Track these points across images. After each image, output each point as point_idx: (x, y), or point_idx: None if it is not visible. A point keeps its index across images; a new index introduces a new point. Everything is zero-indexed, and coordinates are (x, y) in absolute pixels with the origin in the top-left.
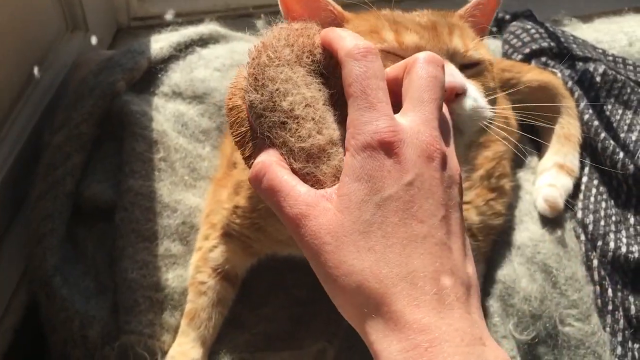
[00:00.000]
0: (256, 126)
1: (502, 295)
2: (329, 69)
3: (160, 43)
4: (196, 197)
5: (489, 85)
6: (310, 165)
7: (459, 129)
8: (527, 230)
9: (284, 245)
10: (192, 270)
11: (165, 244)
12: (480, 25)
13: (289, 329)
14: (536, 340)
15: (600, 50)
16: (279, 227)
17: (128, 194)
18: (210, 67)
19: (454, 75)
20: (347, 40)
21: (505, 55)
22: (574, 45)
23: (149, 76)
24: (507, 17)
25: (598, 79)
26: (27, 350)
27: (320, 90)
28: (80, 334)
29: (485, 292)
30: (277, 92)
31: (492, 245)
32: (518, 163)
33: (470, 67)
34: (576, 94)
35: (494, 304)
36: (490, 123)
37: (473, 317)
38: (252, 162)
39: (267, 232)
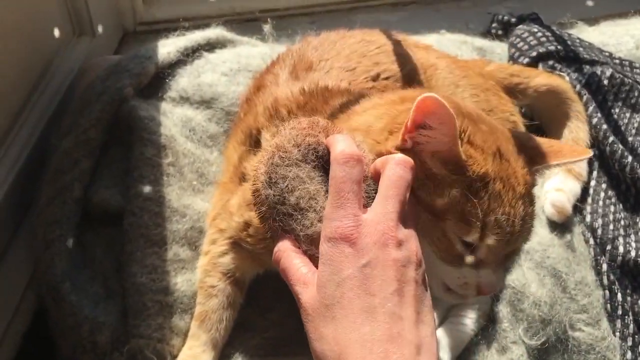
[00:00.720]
0: (271, 214)
1: (512, 300)
2: (329, 164)
3: (167, 48)
4: (205, 202)
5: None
6: (313, 248)
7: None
8: (536, 235)
9: None
10: (201, 274)
11: (174, 248)
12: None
13: (298, 335)
14: (546, 345)
15: (607, 53)
16: None
17: (137, 199)
18: (218, 71)
19: (498, 284)
20: (338, 145)
21: (512, 58)
22: (581, 49)
23: (156, 81)
24: (513, 20)
25: (605, 82)
26: (35, 356)
27: (322, 182)
28: (90, 340)
29: (495, 297)
30: (287, 188)
31: None
32: None
33: (512, 255)
34: (584, 98)
35: (503, 309)
36: None
37: None
38: (270, 234)
39: None
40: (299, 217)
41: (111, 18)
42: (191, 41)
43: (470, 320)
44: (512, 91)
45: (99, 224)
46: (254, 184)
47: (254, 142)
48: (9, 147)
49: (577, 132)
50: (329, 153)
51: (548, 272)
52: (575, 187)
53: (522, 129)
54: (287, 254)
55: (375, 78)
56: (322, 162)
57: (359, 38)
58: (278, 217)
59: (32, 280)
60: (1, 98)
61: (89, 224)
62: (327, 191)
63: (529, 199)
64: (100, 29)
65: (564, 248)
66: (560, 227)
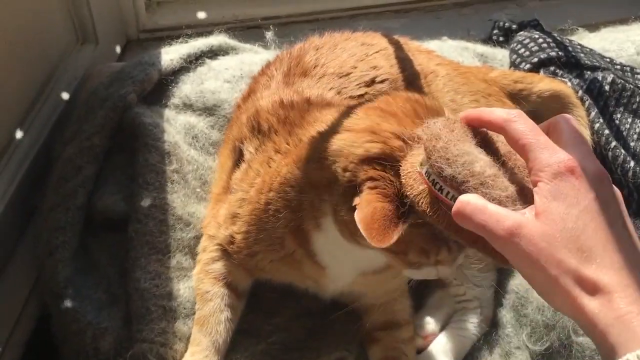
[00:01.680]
0: (461, 192)
1: (515, 305)
2: (478, 142)
3: (170, 55)
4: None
5: None
6: (518, 206)
7: None
8: None
9: (282, 279)
10: (196, 282)
11: (178, 257)
12: None
13: (304, 339)
14: (550, 350)
15: (608, 59)
16: (275, 272)
17: (142, 206)
18: (220, 78)
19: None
20: (498, 111)
21: (514, 64)
22: (582, 54)
23: (159, 88)
24: (514, 26)
25: (607, 87)
26: None
27: (488, 156)
28: (93, 346)
29: (499, 302)
30: (466, 163)
31: None
32: None
33: None
34: (586, 103)
35: (507, 315)
36: None
37: None
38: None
39: (265, 271)
40: (491, 182)
41: (114, 26)
42: (194, 48)
43: (472, 324)
44: (516, 98)
45: (102, 230)
46: (405, 181)
47: (237, 154)
48: (13, 153)
49: None
50: (475, 133)
51: None
52: None
53: None
54: (476, 199)
55: (370, 83)
56: (476, 141)
57: (360, 41)
58: (472, 191)
59: (36, 286)
60: (5, 105)
61: (93, 231)
62: (499, 163)
63: None
64: (103, 36)
65: None
66: None
